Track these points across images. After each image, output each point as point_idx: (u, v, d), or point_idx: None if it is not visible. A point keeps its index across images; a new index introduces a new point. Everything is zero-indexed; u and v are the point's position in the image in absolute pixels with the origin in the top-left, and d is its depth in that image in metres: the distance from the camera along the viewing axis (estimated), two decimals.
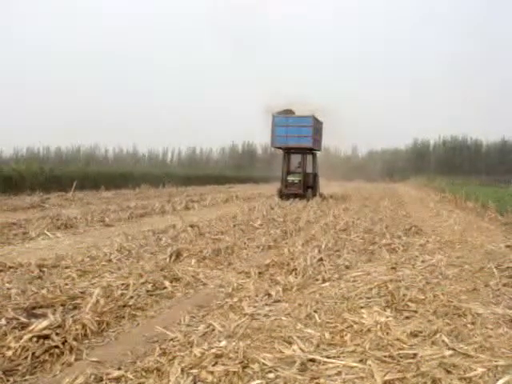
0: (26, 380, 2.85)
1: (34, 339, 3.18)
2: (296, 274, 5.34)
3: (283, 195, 17.77)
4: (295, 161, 18.74)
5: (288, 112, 18.20)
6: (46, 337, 3.24)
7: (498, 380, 2.82)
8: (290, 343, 3.30)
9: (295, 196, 17.45)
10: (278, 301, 4.41)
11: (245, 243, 7.42)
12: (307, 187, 18.17)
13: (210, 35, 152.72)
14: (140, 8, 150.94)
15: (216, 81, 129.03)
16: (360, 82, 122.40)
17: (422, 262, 6.08)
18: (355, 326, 3.62)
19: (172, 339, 3.40)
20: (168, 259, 5.89)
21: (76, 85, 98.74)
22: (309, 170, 18.69)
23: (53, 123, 72.29)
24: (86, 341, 3.39)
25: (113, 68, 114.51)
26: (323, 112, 18.85)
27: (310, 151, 18.55)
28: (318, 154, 19.91)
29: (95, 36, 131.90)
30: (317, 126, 18.41)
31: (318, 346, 3.28)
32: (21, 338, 3.15)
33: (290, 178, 18.09)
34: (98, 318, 3.67)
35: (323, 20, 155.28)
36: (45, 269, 5.22)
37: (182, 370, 2.83)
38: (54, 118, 74.50)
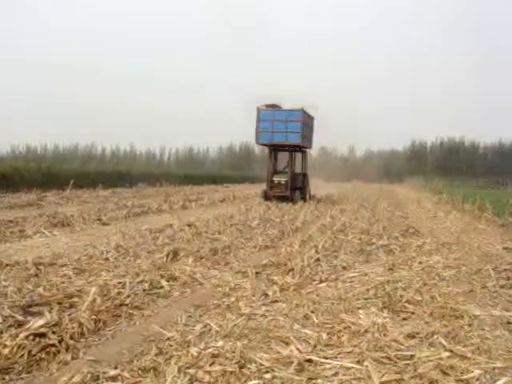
0: (22, 378, 2.83)
1: (31, 337, 3.17)
2: (293, 274, 5.33)
3: (268, 198, 16.17)
4: (285, 159, 17.04)
5: (275, 107, 16.37)
6: (43, 335, 3.23)
7: (495, 382, 2.82)
8: (287, 343, 3.30)
9: (281, 198, 15.84)
10: (275, 301, 4.40)
11: (242, 243, 7.41)
12: (295, 188, 16.52)
13: (209, 34, 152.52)
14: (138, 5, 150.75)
15: (216, 79, 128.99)
16: (359, 82, 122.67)
17: (419, 263, 6.09)
18: (352, 326, 3.62)
19: (169, 338, 3.39)
20: (165, 258, 5.87)
21: (75, 84, 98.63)
22: (298, 169, 17.19)
23: (51, 122, 72.25)
24: (83, 339, 3.38)
25: (113, 68, 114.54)
26: (316, 108, 17.58)
27: (300, 149, 16.99)
28: (314, 153, 19.20)
29: (95, 35, 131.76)
30: (307, 122, 16.78)
31: (315, 346, 3.28)
32: (17, 336, 3.14)
33: (276, 179, 16.43)
34: (94, 317, 3.66)
35: (323, 20, 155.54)
36: (41, 267, 5.21)
37: (179, 370, 2.82)
38: (53, 118, 74.47)
